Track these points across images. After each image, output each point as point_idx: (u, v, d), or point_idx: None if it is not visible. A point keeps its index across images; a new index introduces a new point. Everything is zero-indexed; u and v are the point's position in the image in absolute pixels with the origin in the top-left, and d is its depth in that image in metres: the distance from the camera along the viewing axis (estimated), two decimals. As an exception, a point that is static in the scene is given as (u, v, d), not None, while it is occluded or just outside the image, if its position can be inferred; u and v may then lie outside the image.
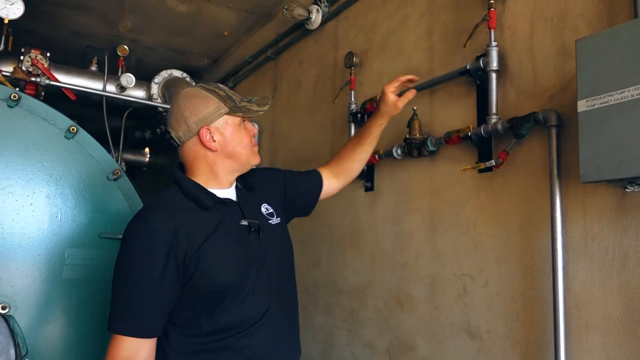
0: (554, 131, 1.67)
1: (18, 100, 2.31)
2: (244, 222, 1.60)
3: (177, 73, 3.94)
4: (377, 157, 2.44)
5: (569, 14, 1.72)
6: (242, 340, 1.51)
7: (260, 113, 1.67)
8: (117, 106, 3.69)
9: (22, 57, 3.07)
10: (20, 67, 3.01)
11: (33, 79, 2.99)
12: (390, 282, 2.38)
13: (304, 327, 2.95)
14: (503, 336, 1.84)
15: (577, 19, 1.70)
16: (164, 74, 3.88)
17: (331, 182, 2.01)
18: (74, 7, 3.64)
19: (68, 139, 2.40)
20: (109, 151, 2.57)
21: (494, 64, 1.90)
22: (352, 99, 2.68)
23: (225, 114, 1.60)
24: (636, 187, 1.45)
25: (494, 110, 1.90)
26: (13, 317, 2.20)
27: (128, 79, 3.48)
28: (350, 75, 2.70)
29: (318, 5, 3.04)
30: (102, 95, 3.39)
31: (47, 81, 3.03)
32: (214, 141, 1.58)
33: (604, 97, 1.39)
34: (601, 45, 1.42)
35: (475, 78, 1.98)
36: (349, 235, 2.70)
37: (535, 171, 1.78)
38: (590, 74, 1.44)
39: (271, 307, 1.58)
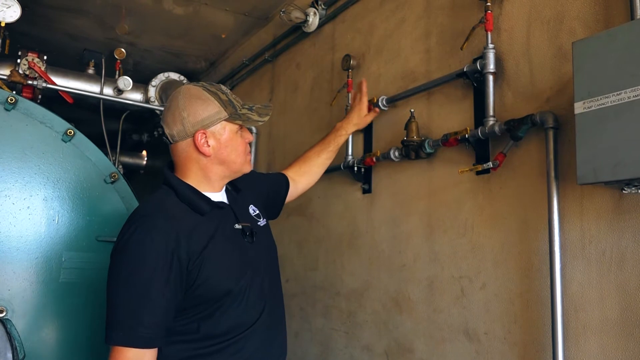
0: (551, 133, 1.68)
1: (15, 104, 2.31)
2: (238, 226, 1.60)
3: (174, 76, 3.94)
4: (374, 159, 2.44)
5: (566, 16, 1.73)
6: (236, 345, 1.50)
7: (260, 123, 1.65)
8: (114, 109, 3.68)
9: (18, 60, 3.07)
10: (17, 70, 3.00)
11: (30, 82, 2.99)
12: (388, 285, 2.38)
13: (301, 330, 2.95)
14: (501, 338, 1.84)
15: (573, 21, 1.70)
16: (161, 76, 3.88)
17: (297, 186, 2.07)
18: (71, 10, 3.63)
19: (65, 142, 2.40)
20: (106, 154, 2.57)
21: (491, 66, 1.91)
22: (350, 102, 2.68)
23: (224, 119, 1.56)
24: (633, 188, 1.46)
25: (491, 112, 1.90)
26: (10, 320, 2.19)
27: (125, 81, 3.48)
28: (348, 77, 2.70)
29: (315, 8, 3.04)
30: (99, 98, 3.39)
31: (44, 84, 3.02)
32: (208, 146, 1.55)
33: (601, 99, 1.40)
34: (598, 47, 1.42)
35: (472, 80, 1.98)
36: (347, 237, 2.70)
37: (532, 173, 1.79)
38: (586, 76, 1.44)
39: (264, 310, 1.59)
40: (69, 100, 3.18)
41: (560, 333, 1.59)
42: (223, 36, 4.01)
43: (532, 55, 1.83)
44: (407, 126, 2.21)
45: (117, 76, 3.58)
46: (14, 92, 2.51)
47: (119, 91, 3.55)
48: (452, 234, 2.08)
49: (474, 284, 1.97)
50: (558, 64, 1.74)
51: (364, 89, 2.31)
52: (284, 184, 2.03)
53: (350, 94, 2.67)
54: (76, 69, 3.57)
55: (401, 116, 2.36)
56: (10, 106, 2.30)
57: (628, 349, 1.47)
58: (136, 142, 5.12)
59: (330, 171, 2.76)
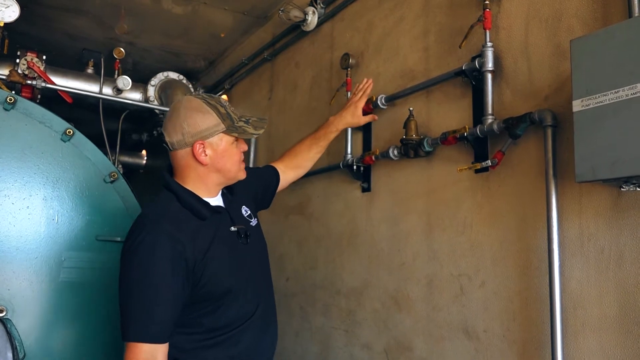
0: (549, 131, 1.68)
1: (14, 104, 2.31)
2: (234, 229, 1.72)
3: (173, 75, 3.94)
4: (373, 157, 2.44)
5: (564, 14, 1.73)
6: (236, 336, 1.65)
7: (255, 136, 1.75)
8: (113, 109, 3.69)
9: (17, 60, 3.07)
10: (16, 70, 3.01)
11: (29, 82, 2.99)
12: (388, 283, 2.38)
13: (301, 328, 2.95)
14: (500, 336, 1.84)
15: (572, 19, 1.70)
16: (161, 76, 3.88)
17: (286, 177, 2.16)
18: (70, 10, 3.63)
19: (64, 141, 2.40)
20: (105, 154, 2.57)
21: (490, 65, 1.91)
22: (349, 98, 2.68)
23: (222, 132, 1.65)
24: (631, 186, 1.46)
25: (489, 110, 1.90)
26: (10, 320, 2.19)
27: (124, 81, 3.48)
28: (347, 76, 2.70)
29: (314, 6, 3.04)
30: (99, 98, 3.39)
31: (43, 84, 3.03)
32: (206, 155, 1.64)
33: (599, 96, 1.40)
34: (596, 45, 1.43)
35: (471, 78, 1.98)
36: (346, 236, 2.71)
37: (531, 171, 1.79)
38: (585, 73, 1.44)
39: (259, 304, 1.74)
40: (68, 100, 3.18)
41: (559, 330, 1.59)
42: (222, 35, 4.01)
43: (530, 53, 1.83)
44: (406, 125, 2.22)
45: (116, 76, 3.58)
46: (13, 92, 2.51)
47: (118, 91, 3.55)
48: (451, 232, 2.08)
49: (473, 282, 1.97)
50: (556, 62, 1.74)
51: (368, 90, 2.32)
52: (274, 177, 2.13)
53: (350, 93, 2.67)
54: (75, 69, 3.58)
55: (400, 115, 2.36)
56: (10, 106, 2.30)
57: (627, 346, 1.47)
58: (136, 141, 5.13)
59: (329, 170, 2.77)
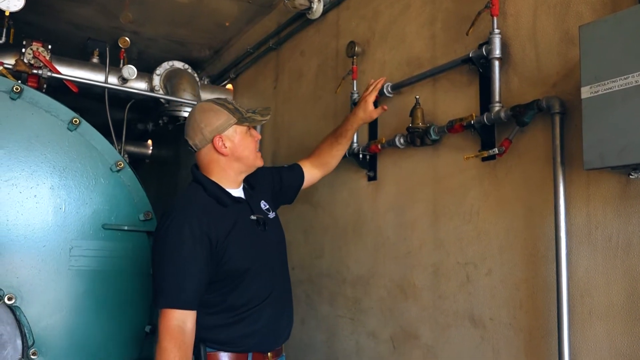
0: (557, 118, 1.67)
1: (20, 93, 2.32)
2: (253, 217, 1.93)
3: (178, 64, 3.94)
4: (379, 146, 2.44)
5: (572, 0, 1.71)
6: (253, 315, 1.84)
7: (264, 122, 2.02)
8: (119, 98, 3.69)
9: (23, 50, 3.07)
10: (22, 60, 3.01)
11: (35, 71, 2.99)
12: (394, 271, 2.38)
13: (308, 317, 2.97)
14: (507, 324, 1.84)
15: (580, 5, 1.68)
16: (166, 65, 3.88)
17: (313, 174, 2.34)
18: (75, -1, 3.63)
19: (71, 130, 2.41)
20: (111, 144, 2.57)
21: (497, 52, 1.89)
22: (355, 89, 2.67)
23: (234, 124, 1.90)
24: (640, 173, 1.45)
25: (496, 98, 1.89)
26: (19, 307, 2.22)
27: (130, 70, 3.48)
28: (352, 64, 2.69)
29: (319, -6, 3.02)
30: (104, 87, 3.39)
31: (49, 73, 3.03)
32: (226, 147, 1.89)
33: (608, 83, 1.38)
34: (605, 31, 1.41)
35: (478, 66, 1.97)
36: (352, 225, 2.71)
37: (538, 159, 1.78)
38: (593, 60, 1.43)
39: (275, 287, 1.93)
40: (74, 89, 3.19)
41: (566, 318, 1.59)
42: (227, 24, 3.99)
43: (538, 39, 1.82)
44: (412, 113, 2.21)
45: (121, 65, 3.58)
46: (20, 82, 2.52)
47: (124, 80, 3.55)
48: (458, 221, 2.08)
49: (479, 270, 1.97)
50: (565, 49, 1.72)
51: (378, 86, 2.37)
52: (299, 174, 2.30)
53: (355, 82, 2.66)
54: (80, 58, 3.57)
55: (406, 103, 2.35)
56: (16, 95, 2.31)
57: (634, 334, 1.47)
58: (141, 131, 5.13)
59: (335, 159, 2.76)
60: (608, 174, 1.55)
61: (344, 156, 2.64)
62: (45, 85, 3.04)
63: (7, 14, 2.83)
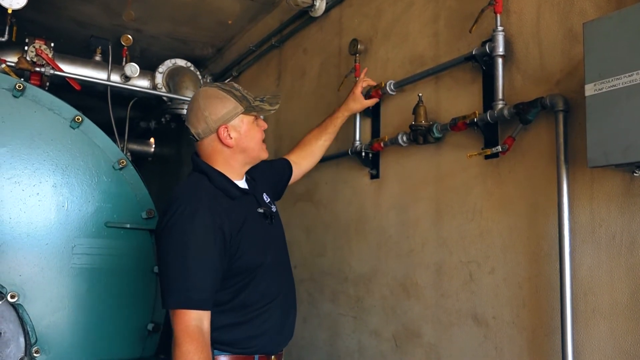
0: (560, 116, 1.66)
1: (23, 90, 2.32)
2: (261, 210, 1.84)
3: (181, 62, 3.94)
4: (382, 144, 2.43)
5: (577, -3, 1.70)
6: (264, 314, 1.74)
7: (272, 112, 1.85)
8: (121, 96, 3.69)
9: (26, 48, 3.08)
10: (25, 58, 3.01)
11: (37, 69, 3.00)
12: (396, 270, 2.38)
13: (310, 315, 2.97)
14: (510, 322, 1.84)
15: (584, 2, 1.67)
16: (168, 63, 3.88)
17: (299, 167, 2.27)
18: (77, -3, 3.62)
19: (73, 128, 2.41)
20: (114, 141, 2.58)
21: (500, 49, 1.88)
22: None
23: (241, 113, 1.76)
24: (644, 171, 1.44)
25: (500, 95, 1.88)
26: (22, 305, 2.22)
27: (132, 68, 3.48)
28: (355, 62, 2.68)
29: (322, -8, 3.01)
30: (107, 85, 3.40)
31: (52, 71, 3.03)
32: (231, 138, 1.75)
33: (612, 80, 1.38)
34: (609, 28, 1.40)
35: (481, 64, 1.96)
36: (355, 223, 2.70)
37: (542, 157, 1.77)
38: (597, 57, 1.42)
39: (284, 284, 1.86)
40: (77, 87, 3.19)
41: (569, 317, 1.59)
42: (229, 22, 3.99)
43: (542, 37, 1.81)
44: (415, 111, 2.20)
45: (124, 63, 3.59)
46: (22, 79, 2.52)
47: (126, 78, 3.56)
48: (461, 219, 2.07)
49: (482, 269, 1.96)
50: (569, 46, 1.71)
51: (362, 75, 2.46)
52: (287, 168, 2.22)
53: (358, 79, 2.65)
54: (83, 56, 3.58)
55: (409, 101, 2.34)
56: (19, 93, 2.31)
57: (638, 333, 1.46)
58: (144, 129, 5.13)
59: (337, 157, 2.76)
60: (612, 171, 1.54)
61: (347, 154, 2.64)
62: (47, 83, 3.05)
63: (9, 11, 2.83)
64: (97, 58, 3.65)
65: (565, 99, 1.66)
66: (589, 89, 1.43)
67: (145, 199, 2.53)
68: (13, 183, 2.28)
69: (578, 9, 1.69)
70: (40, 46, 3.09)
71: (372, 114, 2.60)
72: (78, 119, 2.40)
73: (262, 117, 1.87)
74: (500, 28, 1.89)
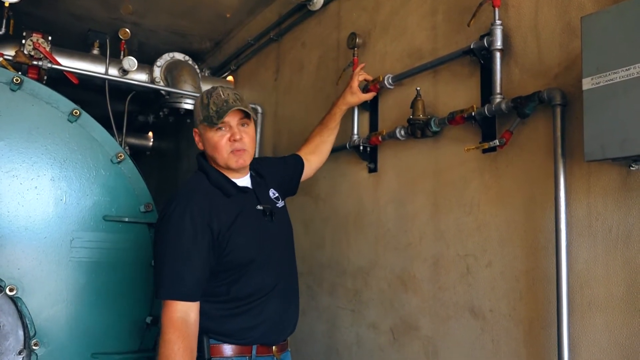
0: (558, 110, 1.66)
1: (20, 84, 2.32)
2: (259, 207, 1.89)
3: (179, 56, 3.92)
4: (380, 138, 2.43)
5: (575, -9, 1.70)
6: (258, 307, 1.80)
7: (221, 124, 1.80)
8: (119, 90, 3.68)
9: (23, 41, 3.07)
10: (22, 51, 3.00)
11: (35, 62, 2.99)
12: (394, 263, 2.39)
13: (309, 308, 2.98)
14: (506, 315, 1.85)
15: (582, -4, 1.67)
16: (166, 57, 3.86)
17: (310, 164, 2.32)
18: (75, -10, 3.61)
19: (71, 122, 2.41)
20: (112, 136, 2.57)
21: (498, 43, 1.88)
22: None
23: (200, 122, 1.86)
24: (641, 165, 1.45)
25: (498, 89, 1.88)
26: (21, 298, 2.22)
27: (130, 62, 3.47)
28: (354, 56, 2.68)
29: (320, -15, 3.01)
30: (105, 79, 3.38)
31: (49, 65, 3.02)
32: (200, 142, 1.90)
33: (610, 74, 1.38)
34: (607, 22, 1.40)
35: (479, 57, 1.96)
36: (353, 216, 2.71)
37: (539, 151, 1.78)
38: (595, 51, 1.42)
39: (281, 279, 1.88)
40: (74, 80, 3.18)
41: (565, 310, 1.60)
42: (228, 16, 3.97)
43: (540, 31, 1.81)
44: (413, 104, 2.20)
45: (122, 57, 3.57)
46: (20, 73, 2.51)
47: (124, 72, 3.54)
48: (458, 213, 2.08)
49: (479, 262, 1.97)
50: (567, 40, 1.71)
51: (358, 69, 2.48)
52: (299, 164, 2.28)
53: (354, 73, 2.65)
54: (81, 50, 3.56)
55: (407, 94, 2.34)
56: (16, 86, 2.31)
57: (633, 326, 1.47)
58: (142, 123, 5.13)
59: (336, 151, 2.75)
60: (609, 165, 1.55)
61: (345, 148, 2.64)
62: (45, 77, 3.03)
63: (6, 4, 2.82)
64: (95, 52, 3.64)
65: (563, 93, 1.66)
66: (587, 83, 1.43)
67: (143, 193, 2.53)
68: (11, 177, 2.28)
69: (576, 3, 1.69)
70: (37, 40, 3.08)
71: (370, 107, 2.60)
72: (76, 113, 2.40)
73: (219, 126, 1.83)
74: (498, 22, 1.89)
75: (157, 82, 3.75)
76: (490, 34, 1.90)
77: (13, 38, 3.10)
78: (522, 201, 1.83)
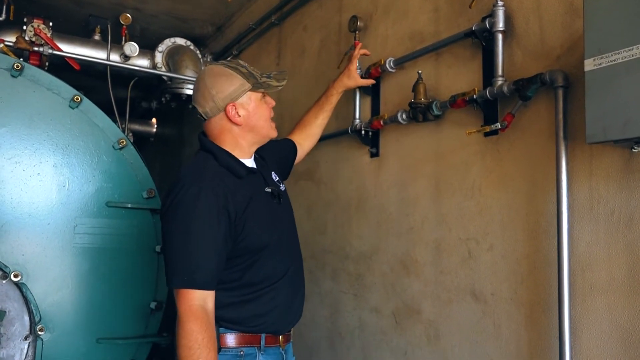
0: (560, 92, 1.64)
1: (21, 70, 2.31)
2: (268, 190, 1.81)
3: (180, 41, 3.90)
4: (382, 122, 2.42)
5: (578, -29, 1.67)
6: (271, 293, 1.73)
7: (280, 88, 1.84)
8: (121, 76, 3.67)
9: (24, 27, 3.05)
10: (23, 37, 2.99)
11: (36, 48, 2.98)
12: (396, 247, 2.39)
13: (311, 293, 2.99)
14: (508, 298, 1.85)
15: (586, -24, 1.64)
16: (168, 42, 3.84)
17: (302, 148, 2.26)
18: (75, -25, 3.59)
19: (72, 108, 2.41)
20: (115, 122, 2.57)
21: (500, 25, 1.86)
22: (357, 64, 2.64)
23: (249, 90, 1.75)
24: (643, 147, 1.43)
25: (499, 72, 1.86)
26: (25, 284, 2.25)
27: (132, 47, 3.46)
28: (355, 39, 2.65)
29: (322, -32, 2.97)
30: (106, 65, 3.37)
31: (51, 51, 3.01)
32: (239, 116, 1.74)
33: (612, 55, 1.36)
34: (609, 2, 1.38)
35: (481, 39, 1.94)
36: (355, 201, 2.71)
37: (541, 133, 1.76)
38: (598, 31, 1.40)
39: (292, 263, 1.83)
40: (76, 66, 3.17)
41: (567, 293, 1.59)
42: (229, 0, 3.95)
43: (542, 12, 1.78)
44: (415, 88, 2.18)
45: (123, 42, 3.55)
46: (21, 59, 2.51)
47: (126, 57, 3.53)
48: (460, 196, 2.07)
49: (481, 246, 1.97)
50: (569, 21, 1.69)
51: (356, 51, 2.43)
52: (292, 148, 2.22)
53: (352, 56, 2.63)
54: (82, 36, 3.55)
55: (409, 78, 2.32)
56: (17, 73, 2.31)
57: (634, 308, 1.47)
58: (145, 109, 5.11)
59: (337, 135, 2.75)
60: (611, 147, 1.53)
61: (346, 132, 2.63)
62: (47, 63, 3.03)
63: (6, -10, 2.81)
64: (96, 37, 3.62)
65: (565, 75, 1.65)
66: (589, 64, 1.41)
67: (145, 179, 2.54)
68: (14, 163, 2.29)
69: (579, -17, 1.66)
70: (38, 25, 3.07)
71: (372, 92, 2.58)
72: (77, 99, 2.40)
73: (269, 93, 1.86)
74: (500, 3, 1.86)
75: (158, 67, 3.73)
76: (492, 15, 1.88)
77: (14, 24, 3.09)
78: (524, 184, 1.82)
